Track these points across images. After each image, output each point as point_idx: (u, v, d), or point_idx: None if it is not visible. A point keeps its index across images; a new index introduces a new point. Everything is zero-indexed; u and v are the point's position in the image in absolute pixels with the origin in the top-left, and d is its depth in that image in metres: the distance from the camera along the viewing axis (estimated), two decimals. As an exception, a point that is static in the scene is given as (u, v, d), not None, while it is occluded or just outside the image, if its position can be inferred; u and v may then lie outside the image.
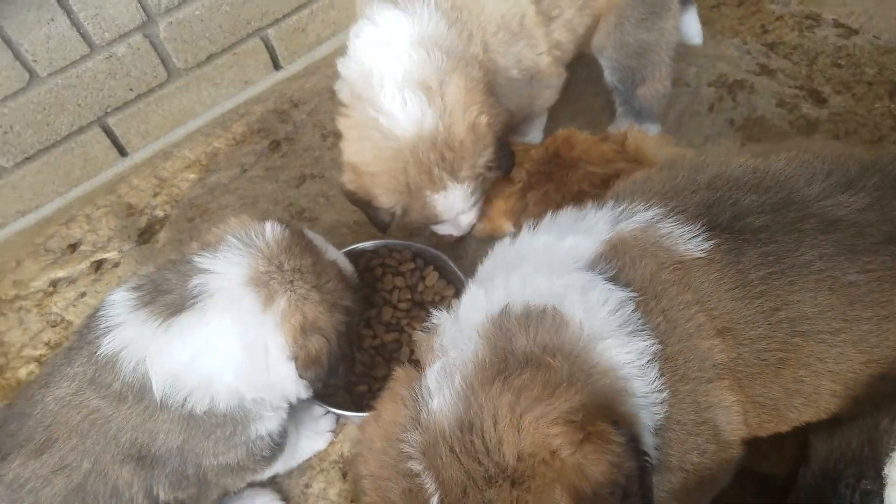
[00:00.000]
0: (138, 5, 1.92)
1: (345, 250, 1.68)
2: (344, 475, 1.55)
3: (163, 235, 2.01)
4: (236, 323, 1.17)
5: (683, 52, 2.11)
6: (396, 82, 1.34)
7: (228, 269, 1.19)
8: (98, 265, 1.95)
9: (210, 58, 2.17)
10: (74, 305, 1.87)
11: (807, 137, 1.88)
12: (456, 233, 1.64)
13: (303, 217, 1.99)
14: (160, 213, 2.06)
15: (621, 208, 0.99)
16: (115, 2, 1.87)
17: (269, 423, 1.29)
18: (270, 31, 2.27)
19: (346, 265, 1.37)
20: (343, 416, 1.52)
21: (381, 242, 1.69)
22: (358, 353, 1.58)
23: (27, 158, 1.98)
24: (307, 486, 1.55)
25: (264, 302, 1.18)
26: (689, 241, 0.93)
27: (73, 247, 2.00)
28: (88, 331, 1.21)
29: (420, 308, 1.64)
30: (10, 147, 1.92)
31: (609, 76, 1.82)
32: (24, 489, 1.14)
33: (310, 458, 1.56)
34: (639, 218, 0.96)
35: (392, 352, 1.59)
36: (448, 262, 1.65)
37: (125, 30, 1.94)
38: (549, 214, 1.07)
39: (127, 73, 2.03)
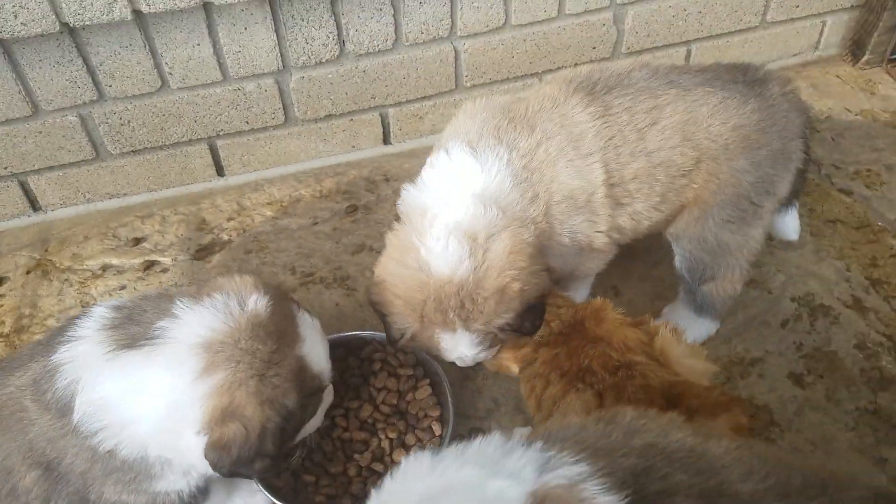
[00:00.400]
0: (279, 55, 2.08)
1: (354, 333, 1.67)
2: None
3: (217, 258, 2.09)
4: (172, 379, 1.15)
5: (779, 258, 1.98)
6: (447, 227, 1.38)
7: (194, 325, 1.18)
8: (149, 265, 2.05)
9: (328, 117, 2.30)
10: (110, 294, 1.97)
11: (873, 392, 1.66)
12: (460, 364, 1.59)
13: (344, 284, 2.00)
14: (225, 237, 2.15)
15: (549, 455, 0.91)
16: (259, 46, 2.04)
17: (175, 485, 1.24)
18: (390, 111, 2.37)
19: (317, 365, 1.30)
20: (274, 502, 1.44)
21: (393, 338, 1.65)
22: (322, 441, 1.52)
23: (133, 151, 2.16)
24: (222, 556, 1.47)
25: (203, 370, 1.15)
26: None
27: (138, 241, 2.13)
28: (60, 332, 1.24)
29: (400, 418, 1.56)
30: (121, 137, 2.10)
31: (678, 264, 1.72)
32: None
33: (237, 526, 1.49)
34: (564, 473, 0.88)
35: (355, 451, 1.51)
36: (444, 384, 1.57)
37: (259, 71, 2.10)
38: (479, 440, 0.99)
39: (248, 108, 2.18)
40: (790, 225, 1.82)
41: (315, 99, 2.23)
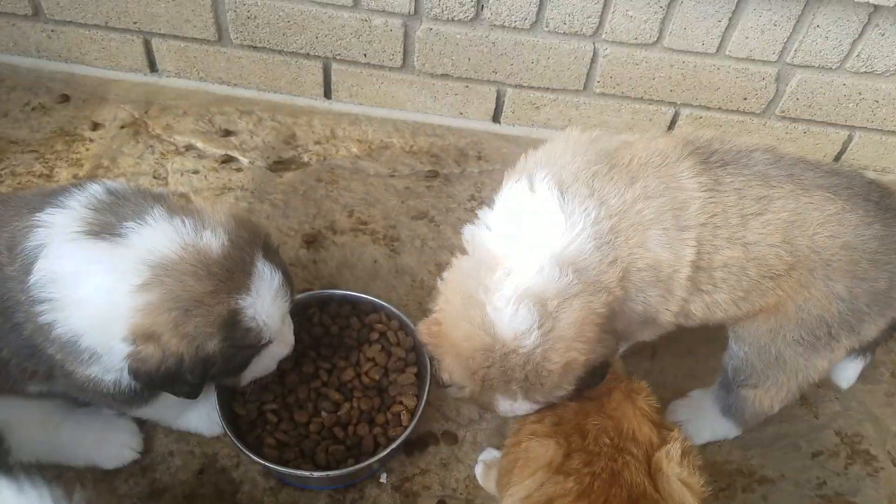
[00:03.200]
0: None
1: (366, 296, 1.66)
2: (199, 471, 1.50)
3: (290, 175, 2.11)
4: (113, 283, 1.15)
5: (849, 389, 1.76)
6: (516, 290, 1.25)
7: (152, 239, 1.18)
8: (228, 160, 2.11)
9: (444, 76, 2.24)
10: (181, 174, 2.04)
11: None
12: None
13: (391, 244, 1.97)
14: (305, 158, 2.17)
15: None
16: (397, -15, 2.00)
17: (106, 376, 1.26)
18: (509, 90, 2.28)
19: (258, 320, 1.25)
20: (227, 434, 1.44)
21: (403, 317, 1.62)
22: (300, 387, 1.52)
23: (253, 46, 2.19)
24: (171, 453, 1.52)
25: (140, 285, 1.15)
26: None
27: (228, 133, 2.18)
28: (58, 193, 1.25)
29: (377, 394, 1.53)
30: (245, 29, 2.14)
31: (727, 359, 1.56)
32: None
33: (192, 433, 1.54)
34: None
35: (324, 409, 1.50)
36: (427, 378, 1.52)
37: (391, 9, 2.06)
38: None
39: (370, 42, 2.16)
40: (848, 373, 1.63)
41: (437, 54, 2.17)
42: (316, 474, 1.39)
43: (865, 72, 2.09)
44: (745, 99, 2.22)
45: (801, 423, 1.71)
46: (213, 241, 1.20)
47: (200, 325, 1.17)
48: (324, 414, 1.49)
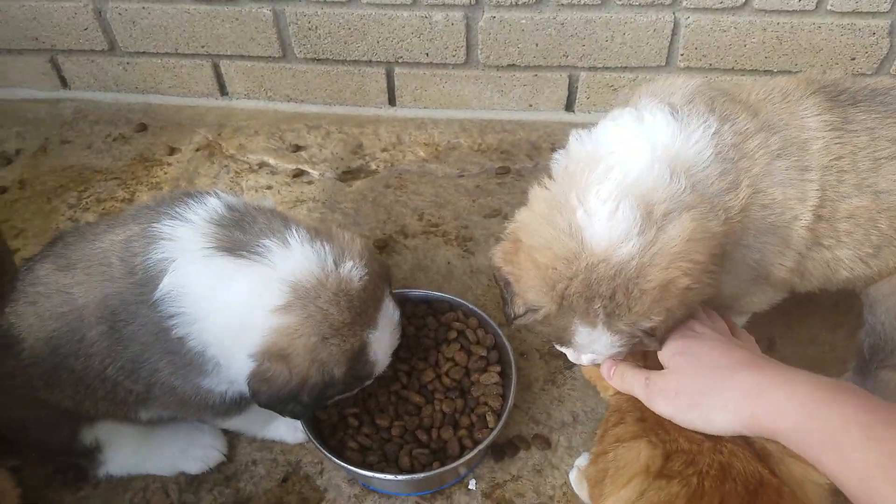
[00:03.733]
0: (475, -13, 1.96)
1: (441, 294, 1.57)
2: (283, 479, 1.44)
3: (358, 184, 2.07)
4: (252, 300, 1.14)
5: None
6: (619, 185, 1.07)
7: (295, 261, 1.15)
8: (299, 174, 2.09)
9: (511, 66, 2.14)
10: (256, 191, 2.03)
11: None
12: (572, 359, 1.36)
13: (464, 244, 1.86)
14: (373, 166, 2.12)
15: None
16: (457, -25, 1.93)
17: (218, 386, 1.25)
18: (582, 74, 2.15)
19: (377, 354, 1.25)
20: (310, 440, 1.38)
21: (482, 314, 1.51)
22: (380, 391, 1.43)
23: (316, 59, 2.18)
24: (254, 462, 1.47)
25: (280, 307, 1.13)
26: None
27: (298, 148, 2.17)
28: (171, 202, 1.23)
29: (459, 395, 1.42)
30: (307, 42, 2.14)
31: (863, 334, 1.35)
32: (34, 288, 1.23)
33: (275, 441, 1.49)
34: None
35: (406, 413, 1.40)
36: (512, 378, 1.40)
37: (451, 1, 2.00)
38: None
39: (431, 39, 2.10)
40: None
41: (502, 44, 2.08)
42: (400, 477, 1.30)
43: None
44: (854, 59, 2.00)
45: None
46: (354, 272, 1.19)
47: (334, 354, 1.16)
48: (406, 418, 1.40)
